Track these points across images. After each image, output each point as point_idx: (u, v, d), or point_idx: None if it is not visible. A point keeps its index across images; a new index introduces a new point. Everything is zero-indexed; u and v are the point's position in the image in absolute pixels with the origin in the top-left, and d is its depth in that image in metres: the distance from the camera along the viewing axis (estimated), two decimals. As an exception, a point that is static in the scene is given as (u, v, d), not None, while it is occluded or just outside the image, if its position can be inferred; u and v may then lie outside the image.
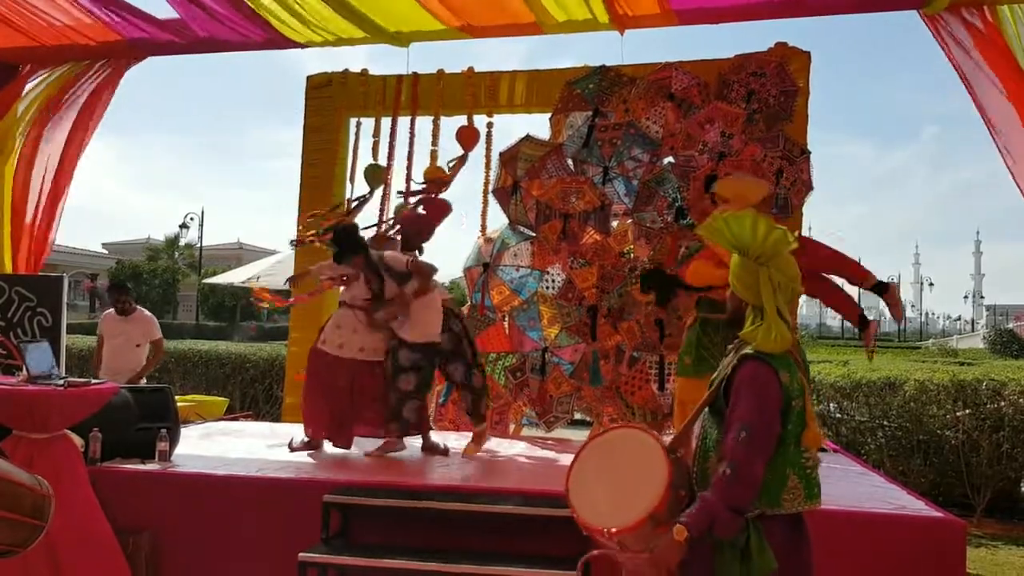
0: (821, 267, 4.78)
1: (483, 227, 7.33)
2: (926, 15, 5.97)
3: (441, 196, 6.80)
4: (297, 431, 5.93)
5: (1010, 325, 37.66)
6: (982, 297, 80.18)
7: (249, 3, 6.56)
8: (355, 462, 5.20)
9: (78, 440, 4.49)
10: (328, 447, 5.61)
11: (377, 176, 7.28)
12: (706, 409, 2.56)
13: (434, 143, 7.45)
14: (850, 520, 3.78)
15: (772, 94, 6.57)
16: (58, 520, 2.98)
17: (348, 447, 5.58)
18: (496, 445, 5.99)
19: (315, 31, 6.94)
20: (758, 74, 6.60)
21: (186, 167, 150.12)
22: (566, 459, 5.44)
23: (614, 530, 2.36)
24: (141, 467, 4.67)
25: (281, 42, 7.26)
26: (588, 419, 7.20)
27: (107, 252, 53.51)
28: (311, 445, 5.55)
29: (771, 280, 2.48)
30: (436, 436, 6.32)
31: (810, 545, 2.50)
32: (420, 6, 6.38)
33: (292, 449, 5.49)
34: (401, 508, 4.21)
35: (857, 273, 4.85)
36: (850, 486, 4.59)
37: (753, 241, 2.48)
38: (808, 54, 6.72)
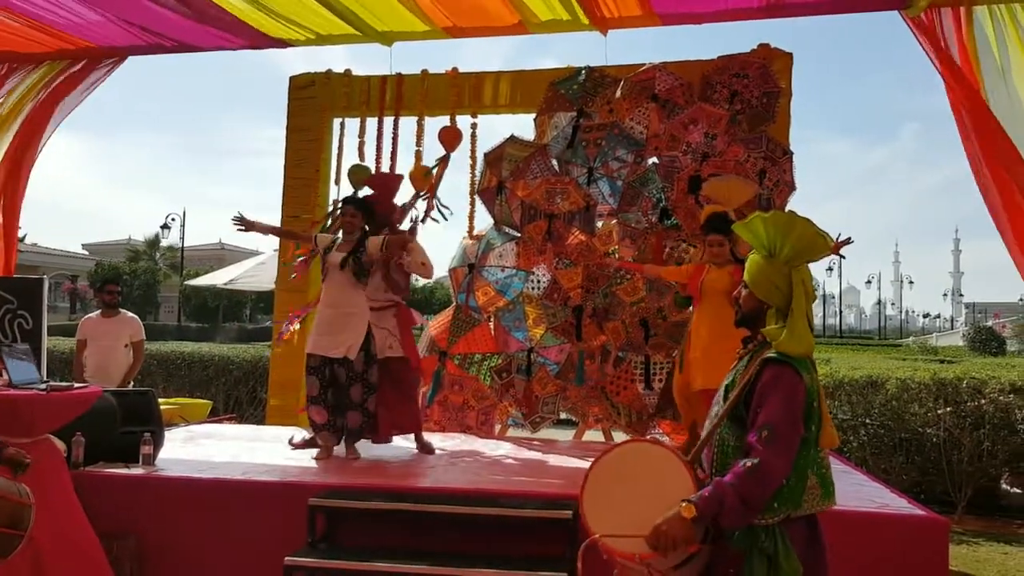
0: None
1: (470, 228, 7.34)
2: (907, 16, 6.02)
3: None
4: (288, 434, 5.92)
5: (989, 323, 38.02)
6: (961, 295, 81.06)
7: (232, 11, 6.54)
8: (340, 465, 5.18)
9: (61, 444, 4.45)
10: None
11: (361, 176, 7.26)
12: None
13: (418, 143, 7.45)
14: (833, 519, 3.79)
15: (755, 95, 6.61)
16: (41, 525, 2.97)
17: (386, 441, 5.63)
18: (482, 446, 5.99)
19: (299, 29, 6.90)
20: (741, 75, 6.64)
21: (167, 166, 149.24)
22: (552, 460, 5.48)
23: (644, 555, 2.32)
24: (125, 471, 4.64)
25: (265, 42, 7.23)
26: (574, 419, 7.22)
27: (87, 253, 53.04)
28: (313, 443, 5.55)
29: (803, 283, 2.45)
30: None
31: (824, 545, 2.48)
32: (405, 7, 6.37)
33: (294, 447, 5.55)
34: (386, 511, 4.20)
35: None
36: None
37: (786, 242, 2.44)
38: (790, 55, 6.77)
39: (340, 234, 5.62)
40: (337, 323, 5.33)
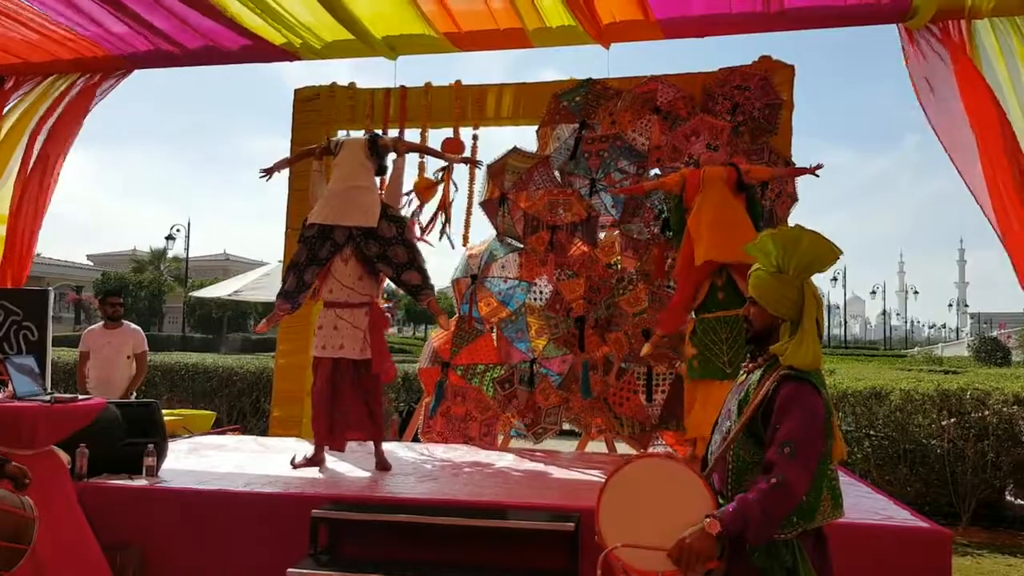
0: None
1: (465, 237, 7.36)
2: (906, 29, 6.05)
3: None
4: (291, 445, 5.89)
5: (994, 333, 37.93)
6: (966, 305, 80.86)
7: (236, 19, 6.60)
8: (343, 476, 5.18)
9: (65, 456, 4.47)
10: (330, 461, 5.57)
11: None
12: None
13: (422, 156, 7.47)
14: (837, 531, 3.79)
15: (757, 107, 6.64)
16: (45, 537, 2.98)
17: (340, 449, 5.58)
18: (484, 458, 5.99)
19: (304, 35, 6.92)
20: (742, 87, 6.67)
21: (171, 177, 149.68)
22: (555, 471, 5.48)
23: (667, 573, 2.33)
24: (128, 483, 4.65)
25: (271, 53, 7.26)
26: (577, 430, 7.21)
27: (92, 264, 53.24)
28: (314, 461, 5.43)
29: (814, 295, 2.49)
30: (422, 448, 6.35)
31: (830, 555, 2.50)
32: (410, 8, 6.41)
33: (295, 466, 5.36)
34: (389, 523, 4.20)
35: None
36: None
37: (795, 256, 2.48)
38: (792, 67, 6.79)
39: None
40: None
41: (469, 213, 7.34)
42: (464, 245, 7.27)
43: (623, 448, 6.78)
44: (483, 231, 7.16)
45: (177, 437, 6.52)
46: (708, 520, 2.31)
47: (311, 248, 5.51)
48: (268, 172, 6.07)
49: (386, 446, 5.77)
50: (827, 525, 2.49)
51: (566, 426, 6.99)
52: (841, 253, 2.52)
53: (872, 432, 7.80)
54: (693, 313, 5.55)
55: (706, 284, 5.43)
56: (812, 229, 2.54)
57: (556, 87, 7.22)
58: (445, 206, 7.27)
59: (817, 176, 5.82)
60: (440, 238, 7.22)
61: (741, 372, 2.69)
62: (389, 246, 5.49)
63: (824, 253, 2.49)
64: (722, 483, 2.53)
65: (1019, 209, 5.51)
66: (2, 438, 4.14)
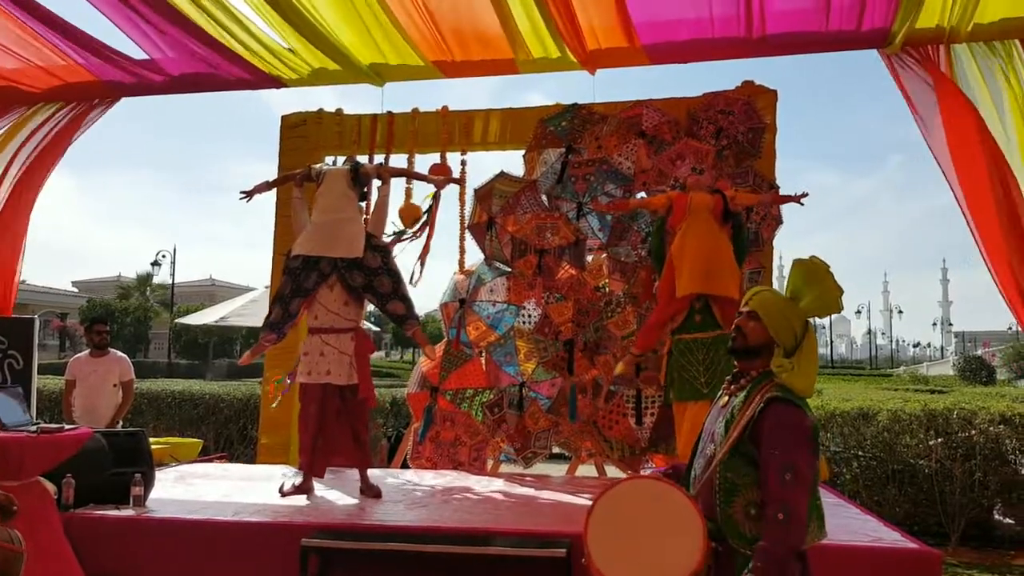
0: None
1: (461, 263, 7.38)
2: (885, 53, 6.15)
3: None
4: (279, 473, 5.84)
5: (978, 352, 38.17)
6: (950, 324, 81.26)
7: (227, 44, 6.64)
8: (333, 504, 5.15)
9: (51, 487, 4.42)
10: (319, 489, 5.54)
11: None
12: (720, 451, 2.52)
13: (408, 181, 7.50)
14: (827, 554, 3.80)
15: (740, 131, 6.71)
16: (32, 569, 2.95)
17: (320, 476, 5.55)
18: (474, 483, 5.97)
19: (291, 62, 6.96)
20: (726, 112, 6.75)
21: (157, 202, 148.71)
22: (545, 496, 5.46)
23: None
24: (115, 513, 4.60)
25: (259, 81, 7.29)
26: (566, 454, 7.20)
27: (77, 290, 52.88)
28: (302, 489, 5.40)
29: (813, 333, 2.55)
30: (411, 475, 6.32)
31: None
32: (400, 39, 6.46)
33: (283, 494, 5.31)
34: (380, 551, 4.17)
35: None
36: (826, 518, 4.62)
37: (810, 292, 2.53)
38: (775, 92, 6.88)
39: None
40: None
41: (463, 238, 7.36)
42: (461, 270, 7.29)
43: (613, 471, 6.77)
44: (478, 254, 7.17)
45: (164, 466, 6.46)
46: None
47: (296, 279, 5.51)
48: (248, 194, 6.06)
49: (375, 472, 5.74)
50: (810, 548, 2.50)
51: (556, 450, 6.98)
52: (841, 310, 2.59)
53: (860, 453, 7.82)
54: (670, 334, 5.60)
55: (684, 309, 5.47)
56: (837, 281, 2.58)
57: (542, 112, 7.28)
58: (429, 239, 7.26)
59: (802, 204, 5.89)
60: (412, 281, 7.03)
61: (722, 395, 2.70)
62: (375, 276, 5.50)
63: (833, 303, 2.55)
64: (710, 506, 2.53)
65: (997, 228, 5.62)
66: (-13, 469, 4.11)
